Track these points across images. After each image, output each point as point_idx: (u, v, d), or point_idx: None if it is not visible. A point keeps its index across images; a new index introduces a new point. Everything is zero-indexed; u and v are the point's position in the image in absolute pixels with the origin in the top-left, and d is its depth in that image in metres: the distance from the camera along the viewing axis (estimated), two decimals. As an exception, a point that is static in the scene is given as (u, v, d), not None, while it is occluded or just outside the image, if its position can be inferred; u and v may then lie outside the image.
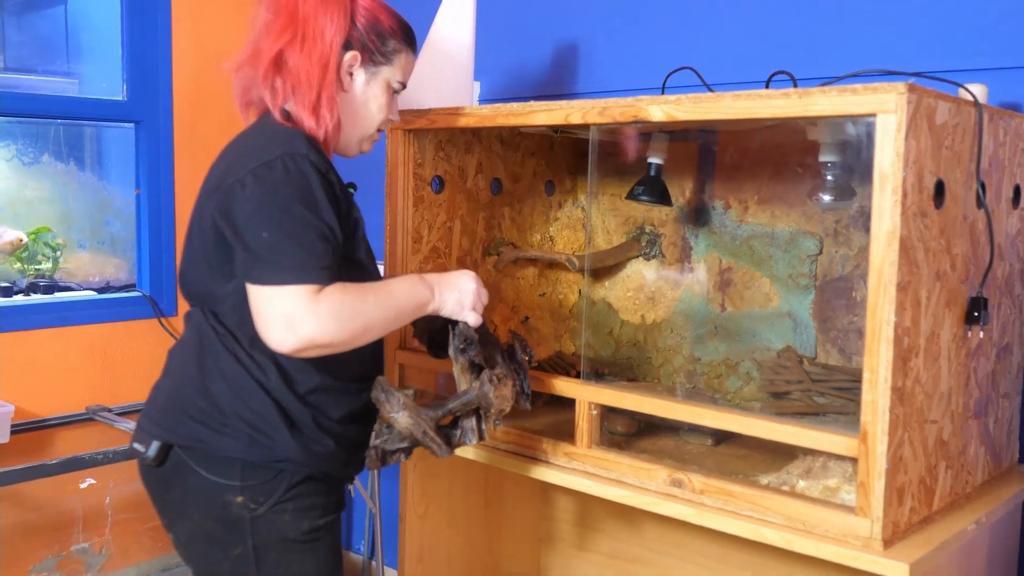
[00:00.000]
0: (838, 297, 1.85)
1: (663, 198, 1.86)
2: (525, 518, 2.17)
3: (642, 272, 2.11)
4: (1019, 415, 1.65)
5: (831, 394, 1.77)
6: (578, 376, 1.79)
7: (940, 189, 1.31)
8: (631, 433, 1.75)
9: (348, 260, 1.38)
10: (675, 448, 1.70)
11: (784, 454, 1.61)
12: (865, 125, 1.56)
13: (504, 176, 2.07)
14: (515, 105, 1.64)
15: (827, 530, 1.32)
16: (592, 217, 2.13)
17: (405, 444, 1.40)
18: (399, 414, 1.37)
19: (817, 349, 1.88)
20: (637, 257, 2.12)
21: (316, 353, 1.30)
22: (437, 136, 1.91)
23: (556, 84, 2.32)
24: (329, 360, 1.33)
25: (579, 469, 1.60)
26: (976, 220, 1.41)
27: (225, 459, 1.36)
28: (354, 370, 1.43)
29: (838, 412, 1.73)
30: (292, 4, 1.41)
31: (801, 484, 1.43)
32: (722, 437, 1.73)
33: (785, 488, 1.43)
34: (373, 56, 1.46)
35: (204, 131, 2.87)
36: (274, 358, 1.35)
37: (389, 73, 1.49)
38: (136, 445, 1.41)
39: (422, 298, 1.41)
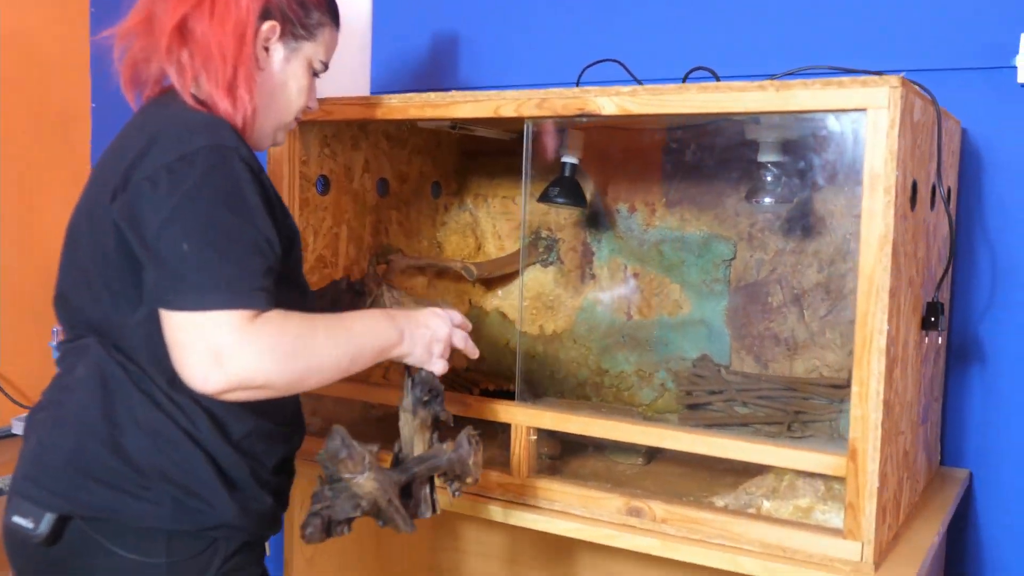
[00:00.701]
0: (753, 302, 1.79)
1: (578, 200, 1.73)
2: (421, 553, 1.97)
3: (539, 280, 1.97)
4: (941, 417, 1.65)
5: (755, 404, 1.70)
6: (490, 395, 1.63)
7: (915, 190, 1.25)
8: (556, 455, 1.60)
9: (285, 281, 1.14)
10: (607, 470, 1.57)
11: (724, 471, 1.52)
12: (811, 122, 1.50)
13: (391, 176, 1.87)
14: (434, 95, 1.46)
15: (810, 555, 1.23)
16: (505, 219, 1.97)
17: (358, 513, 1.14)
18: (363, 476, 1.13)
19: (732, 356, 1.81)
20: (534, 264, 1.98)
21: (247, 396, 1.03)
22: (323, 130, 1.68)
23: (451, 77, 2.13)
24: (266, 399, 1.07)
25: (519, 502, 1.44)
26: (932, 223, 1.37)
27: (146, 531, 1.08)
28: (288, 410, 1.20)
29: (764, 422, 1.66)
30: None
31: (767, 505, 1.34)
32: (652, 455, 1.62)
33: (751, 510, 1.33)
34: (294, 29, 1.23)
35: None
36: (200, 400, 1.09)
37: (311, 50, 1.26)
38: (17, 519, 1.09)
39: (387, 340, 1.16)
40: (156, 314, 1.03)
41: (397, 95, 1.49)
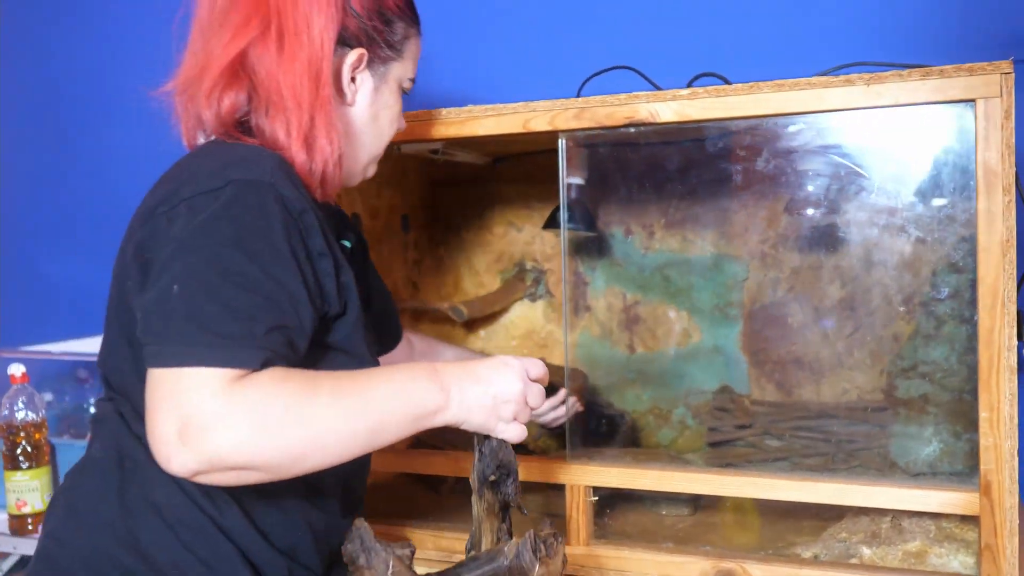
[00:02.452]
0: (770, 326, 1.66)
1: (589, 224, 1.55)
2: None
3: (528, 316, 1.79)
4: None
5: (789, 436, 1.56)
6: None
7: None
8: (594, 512, 1.41)
9: (325, 348, 0.92)
10: (656, 524, 1.39)
11: (785, 515, 1.37)
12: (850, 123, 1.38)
13: (362, 211, 1.65)
14: (447, 111, 1.26)
15: (941, 607, 1.08)
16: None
17: None
18: None
19: (751, 385, 1.66)
20: (521, 299, 1.79)
21: (231, 480, 0.79)
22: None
23: (440, 93, 1.91)
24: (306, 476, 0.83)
25: (583, 576, 1.23)
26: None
27: None
28: (345, 492, 0.98)
29: (803, 455, 1.52)
30: None
31: (868, 552, 1.18)
32: (697, 504, 1.45)
33: (853, 560, 1.18)
34: (380, 51, 1.02)
35: None
36: None
37: (400, 70, 1.05)
38: None
39: (426, 404, 0.89)
40: None
41: (425, 111, 1.27)
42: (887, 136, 1.25)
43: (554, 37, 1.78)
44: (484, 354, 1.58)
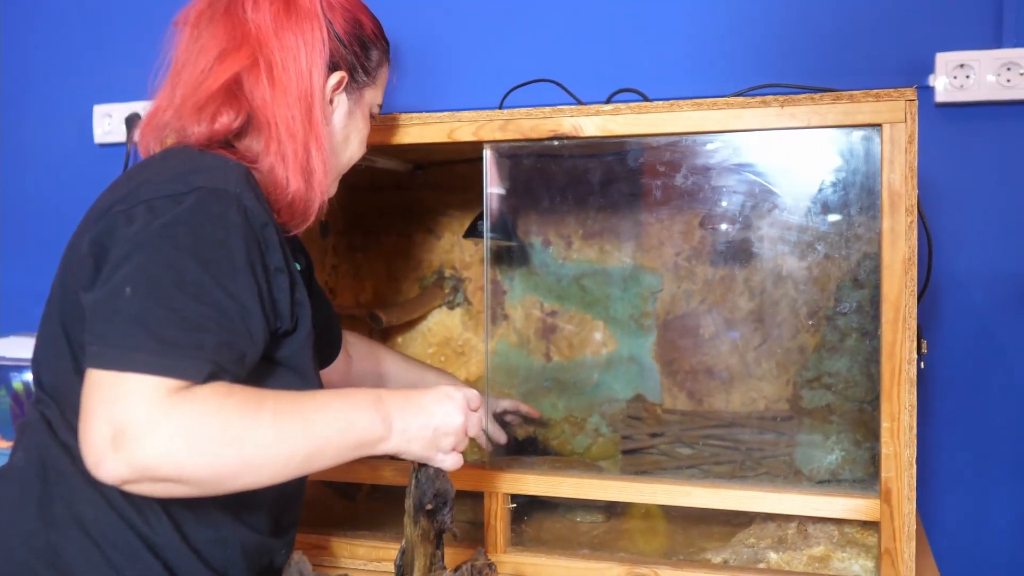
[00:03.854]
0: (683, 336, 1.70)
1: (508, 234, 1.57)
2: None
3: (446, 323, 1.79)
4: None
5: (698, 444, 1.61)
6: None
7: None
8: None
9: (274, 364, 0.91)
10: (570, 531, 1.41)
11: (696, 521, 1.41)
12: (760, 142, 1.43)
13: (281, 214, 1.62)
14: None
15: (842, 609, 1.13)
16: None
17: None
18: None
19: (663, 394, 1.70)
20: (439, 307, 1.79)
21: (159, 491, 0.77)
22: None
23: None
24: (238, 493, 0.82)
25: (500, 583, 1.24)
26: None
27: None
28: (279, 510, 0.96)
29: (713, 463, 1.57)
30: (238, 13, 0.95)
31: (775, 557, 1.23)
32: (611, 510, 1.48)
33: (761, 565, 1.22)
34: (357, 75, 1.05)
35: None
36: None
37: (372, 96, 1.08)
38: None
39: (366, 433, 0.88)
40: None
41: None
42: (798, 156, 1.30)
43: (478, 47, 1.79)
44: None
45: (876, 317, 1.20)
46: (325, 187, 1.00)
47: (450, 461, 0.96)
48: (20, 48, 2.10)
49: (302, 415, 0.83)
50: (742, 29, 1.68)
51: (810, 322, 1.53)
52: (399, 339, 1.80)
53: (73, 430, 0.84)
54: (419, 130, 1.24)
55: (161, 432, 0.74)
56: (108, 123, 2.02)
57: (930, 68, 1.61)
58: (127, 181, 0.90)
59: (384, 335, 1.80)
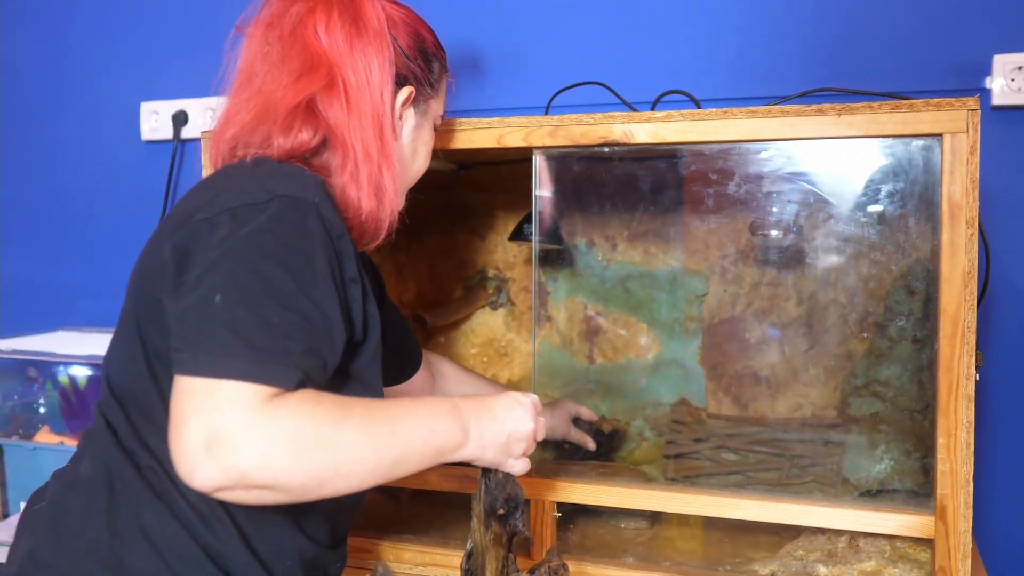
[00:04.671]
0: (729, 340, 1.68)
1: (555, 237, 1.56)
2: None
3: (489, 324, 1.79)
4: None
5: (744, 450, 1.59)
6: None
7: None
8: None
9: (343, 375, 0.92)
10: (615, 537, 1.41)
11: (743, 530, 1.40)
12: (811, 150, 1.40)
13: (326, 215, 1.63)
14: (421, 122, 1.25)
15: (894, 625, 1.11)
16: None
17: None
18: None
19: (708, 398, 1.69)
20: (483, 307, 1.79)
21: (251, 499, 0.78)
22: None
23: None
24: (309, 503, 0.83)
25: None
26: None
27: None
28: (340, 528, 0.97)
29: (758, 469, 1.55)
30: (311, 32, 0.96)
31: (824, 571, 1.21)
32: (656, 516, 1.47)
33: (812, 578, 1.21)
34: (422, 88, 1.06)
35: None
36: (229, 508, 0.86)
37: (436, 107, 1.10)
38: None
39: (446, 440, 0.91)
40: None
41: None
42: (855, 163, 1.28)
43: (524, 48, 1.78)
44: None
45: (928, 325, 1.18)
46: (395, 204, 1.01)
47: (520, 466, 0.99)
48: (67, 45, 2.12)
49: (389, 422, 0.85)
50: (793, 28, 1.65)
51: (863, 334, 1.51)
52: (442, 339, 1.80)
53: (139, 436, 0.86)
54: (468, 135, 1.23)
55: (257, 439, 0.75)
56: (155, 120, 2.04)
57: (987, 70, 1.57)
58: (207, 189, 0.91)
59: (427, 336, 1.80)
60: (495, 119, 1.22)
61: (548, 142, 1.20)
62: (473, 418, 0.93)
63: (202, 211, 0.85)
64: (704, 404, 1.68)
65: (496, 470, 0.99)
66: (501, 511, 0.99)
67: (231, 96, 1.01)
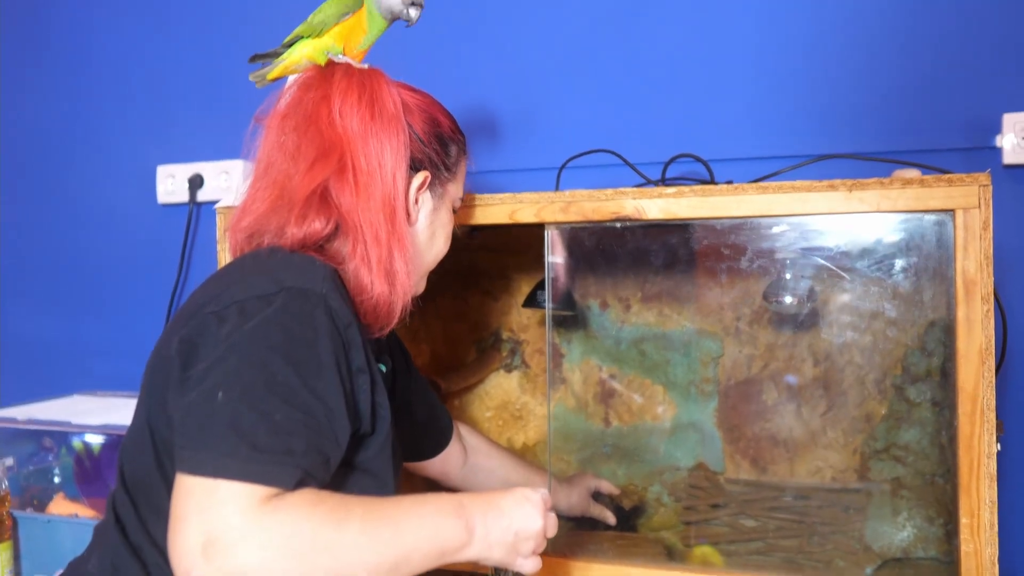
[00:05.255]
0: (746, 402, 1.67)
1: (569, 303, 1.55)
2: None
3: (503, 386, 1.78)
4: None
5: (763, 516, 1.57)
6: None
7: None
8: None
9: (350, 467, 0.92)
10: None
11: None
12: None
13: (340, 282, 1.63)
14: (432, 198, 1.25)
15: None
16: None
17: None
18: None
19: (726, 462, 1.67)
20: (496, 370, 1.78)
21: None
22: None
23: None
24: None
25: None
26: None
27: None
28: None
29: (779, 537, 1.53)
30: (325, 118, 0.98)
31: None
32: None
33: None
34: (439, 172, 1.07)
35: None
36: None
37: (454, 190, 1.10)
38: None
39: (450, 541, 0.88)
40: None
41: None
42: (867, 236, 1.27)
43: (536, 111, 1.79)
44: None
45: (947, 388, 1.16)
46: (409, 288, 1.01)
47: (530, 565, 0.96)
48: (86, 108, 2.15)
49: (390, 523, 0.83)
50: (803, 87, 1.65)
51: (881, 397, 1.49)
52: (456, 402, 1.80)
53: (146, 530, 0.86)
54: (481, 211, 1.23)
55: (253, 542, 0.74)
56: (171, 183, 2.05)
57: (997, 128, 1.57)
58: (218, 282, 0.92)
59: (442, 399, 1.79)
60: (507, 195, 1.22)
61: (560, 217, 1.20)
62: (479, 516, 0.91)
63: (211, 304, 0.86)
64: (722, 468, 1.66)
65: (505, 569, 0.97)
66: None
67: (250, 186, 1.02)
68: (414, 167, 1.04)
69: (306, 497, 0.79)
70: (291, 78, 1.09)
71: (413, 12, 1.09)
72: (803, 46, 1.64)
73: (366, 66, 1.07)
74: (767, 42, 1.66)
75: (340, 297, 0.90)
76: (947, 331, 1.18)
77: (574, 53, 1.77)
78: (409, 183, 1.03)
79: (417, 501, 0.88)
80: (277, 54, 1.09)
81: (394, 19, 1.11)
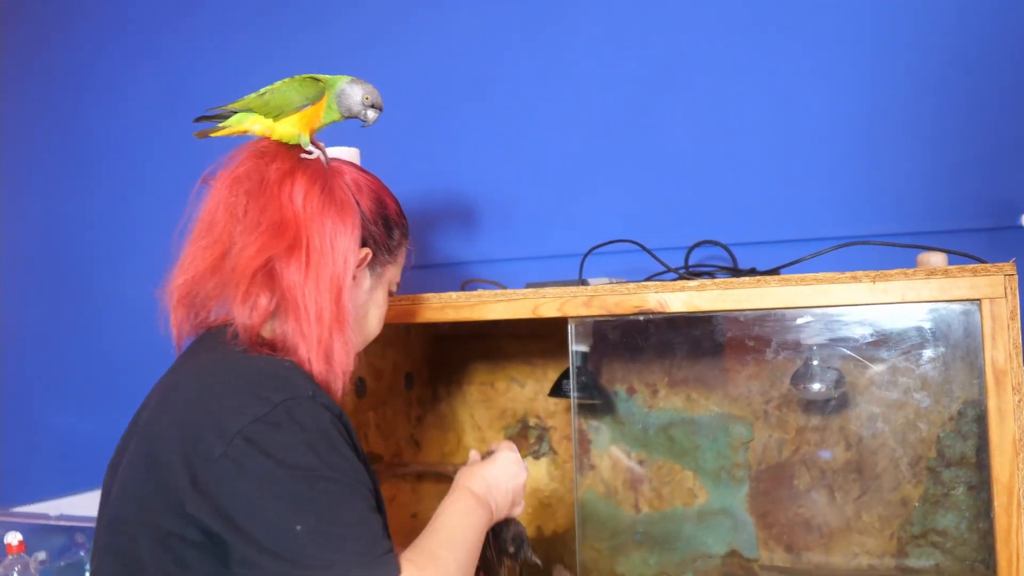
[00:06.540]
0: (778, 487, 1.64)
1: (595, 392, 1.55)
2: None
3: (532, 474, 1.77)
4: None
5: (801, 604, 1.54)
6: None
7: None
8: None
9: None
10: None
11: None
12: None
13: (367, 374, 1.65)
14: (456, 295, 1.27)
15: None
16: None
17: None
18: None
19: (759, 548, 1.64)
20: (525, 457, 1.77)
21: None
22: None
23: (432, 251, 1.93)
24: None
25: None
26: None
27: None
28: None
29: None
30: (286, 194, 0.99)
31: None
32: None
33: None
34: (380, 253, 1.07)
35: None
36: None
37: (392, 273, 1.11)
38: None
39: (485, 525, 1.05)
40: None
41: (411, 296, 1.29)
42: (894, 324, 1.27)
43: (556, 199, 1.81)
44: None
45: (983, 472, 1.14)
46: (347, 366, 1.01)
47: (518, 510, 1.16)
48: (122, 206, 2.20)
49: (463, 540, 0.97)
50: (824, 167, 1.66)
51: (913, 479, 1.47)
52: (485, 490, 1.79)
53: None
54: (504, 306, 1.24)
55: None
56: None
57: (1021, 207, 1.56)
58: (199, 406, 0.89)
59: (470, 487, 1.78)
60: (530, 290, 1.23)
61: (583, 312, 1.21)
62: (489, 494, 1.08)
63: (213, 442, 0.85)
64: (756, 555, 1.63)
65: (522, 551, 1.17)
66: (511, 549, 1.15)
67: (189, 244, 1.02)
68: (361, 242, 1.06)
69: (414, 563, 0.88)
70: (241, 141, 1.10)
71: (371, 114, 1.11)
72: (825, 128, 1.66)
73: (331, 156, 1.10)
74: (787, 125, 1.68)
75: (320, 389, 0.93)
76: (979, 418, 1.16)
77: (595, 140, 1.79)
78: (356, 263, 1.03)
79: (457, 512, 1.01)
80: (223, 116, 1.09)
81: (350, 117, 1.13)
